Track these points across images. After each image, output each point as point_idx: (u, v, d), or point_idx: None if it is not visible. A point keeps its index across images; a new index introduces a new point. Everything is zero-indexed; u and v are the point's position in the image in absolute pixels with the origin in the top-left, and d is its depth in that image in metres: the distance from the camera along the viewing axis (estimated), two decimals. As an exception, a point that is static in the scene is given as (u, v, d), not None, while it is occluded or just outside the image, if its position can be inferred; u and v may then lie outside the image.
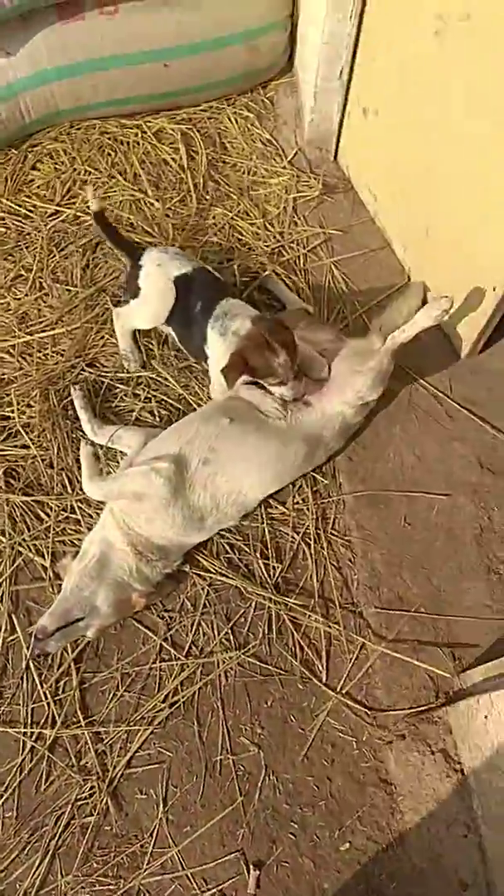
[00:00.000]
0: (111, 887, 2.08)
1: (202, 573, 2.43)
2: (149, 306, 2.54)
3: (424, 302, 2.78)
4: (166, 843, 2.13)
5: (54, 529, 2.49)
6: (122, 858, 2.11)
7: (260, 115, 3.39)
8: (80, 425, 2.59)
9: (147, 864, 2.10)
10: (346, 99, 2.98)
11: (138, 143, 3.26)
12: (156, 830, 2.14)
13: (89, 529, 2.42)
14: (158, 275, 2.51)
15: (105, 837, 2.14)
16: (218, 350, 2.42)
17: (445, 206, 2.52)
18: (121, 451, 2.57)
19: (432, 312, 2.36)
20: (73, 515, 2.51)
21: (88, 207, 2.74)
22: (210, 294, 2.48)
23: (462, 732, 2.07)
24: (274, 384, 2.36)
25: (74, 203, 3.10)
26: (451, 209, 2.49)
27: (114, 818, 2.15)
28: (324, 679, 2.30)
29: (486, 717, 1.88)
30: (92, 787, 2.18)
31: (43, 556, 2.45)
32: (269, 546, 2.47)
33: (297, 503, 2.54)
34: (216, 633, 2.36)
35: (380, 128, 2.83)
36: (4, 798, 2.16)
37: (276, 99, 3.43)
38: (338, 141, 3.18)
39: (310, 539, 2.48)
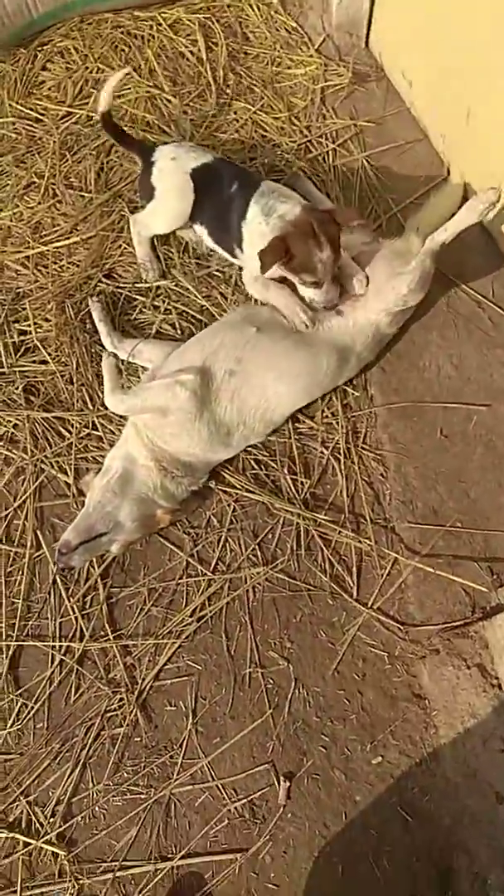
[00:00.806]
0: (142, 796, 2.09)
1: (228, 489, 2.35)
2: (166, 206, 2.38)
3: (465, 200, 2.55)
4: (196, 753, 2.12)
5: (76, 446, 2.42)
6: (153, 769, 2.12)
7: (284, 1, 3.09)
8: (99, 339, 2.49)
9: (177, 775, 2.10)
10: (378, -28, 2.69)
11: (153, 37, 3.02)
12: (185, 742, 2.14)
13: (111, 446, 2.35)
14: (173, 169, 2.34)
15: (135, 748, 2.15)
16: (257, 230, 2.24)
17: (489, 84, 2.27)
18: (142, 366, 2.46)
19: (478, 206, 2.16)
20: (95, 432, 2.44)
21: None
22: (244, 174, 2.33)
23: (499, 647, 1.99)
24: (308, 283, 2.19)
25: (87, 103, 2.90)
26: (496, 87, 2.24)
27: (143, 730, 2.15)
28: (355, 594, 2.22)
29: (526, 628, 1.78)
30: (121, 699, 2.17)
31: (66, 473, 2.39)
32: (296, 461, 2.37)
33: (327, 417, 2.41)
34: (243, 549, 2.29)
35: (414, 4, 2.55)
36: (35, 710, 2.17)
37: (302, -19, 3.12)
38: (369, 24, 2.89)
39: (340, 454, 2.36)
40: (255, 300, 2.43)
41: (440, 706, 2.06)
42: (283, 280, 2.27)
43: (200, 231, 2.47)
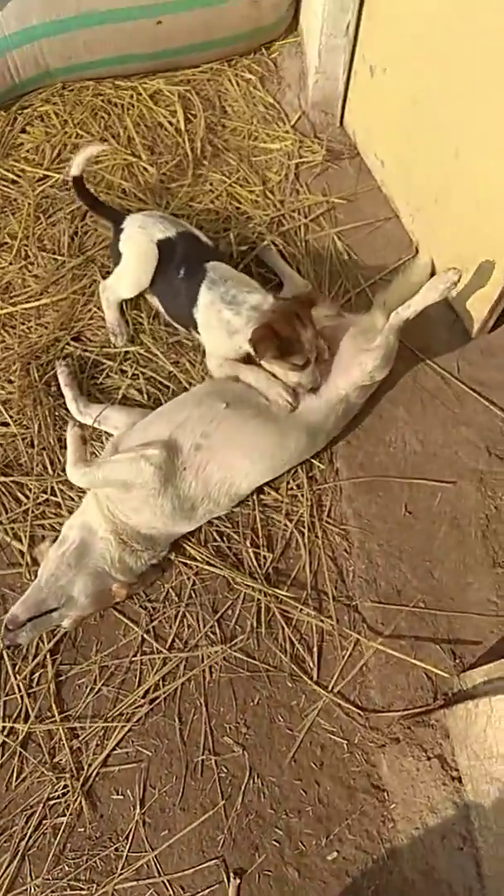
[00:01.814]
0: (83, 892, 1.96)
1: (188, 562, 2.29)
2: (130, 271, 2.39)
3: (433, 276, 2.60)
4: (142, 846, 2.00)
5: (33, 512, 2.35)
6: (96, 862, 1.99)
7: (263, 78, 3.19)
8: (64, 402, 2.45)
9: (122, 869, 1.98)
10: (352, 57, 2.78)
11: (133, 106, 3.08)
12: (132, 833, 2.02)
13: (70, 513, 2.28)
14: (140, 237, 2.36)
15: (78, 839, 2.02)
16: (219, 318, 2.23)
17: (458, 171, 2.32)
18: (107, 433, 2.42)
19: (439, 286, 2.19)
20: (54, 498, 2.37)
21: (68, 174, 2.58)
22: (194, 256, 2.32)
23: (460, 738, 1.92)
24: (295, 367, 2.18)
25: (64, 167, 2.92)
26: (464, 175, 2.30)
27: (87, 819, 2.03)
28: (315, 677, 2.15)
29: (486, 722, 1.72)
30: (65, 786, 2.06)
31: (20, 541, 2.31)
32: (259, 534, 2.32)
33: (292, 489, 2.38)
34: (201, 625, 2.22)
35: (388, 87, 2.63)
36: (-27, 795, 2.04)
37: (281, 61, 3.22)
38: (344, 103, 2.98)
39: (304, 527, 2.32)
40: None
41: (399, 799, 1.98)
42: (248, 361, 2.27)
43: (155, 303, 2.49)
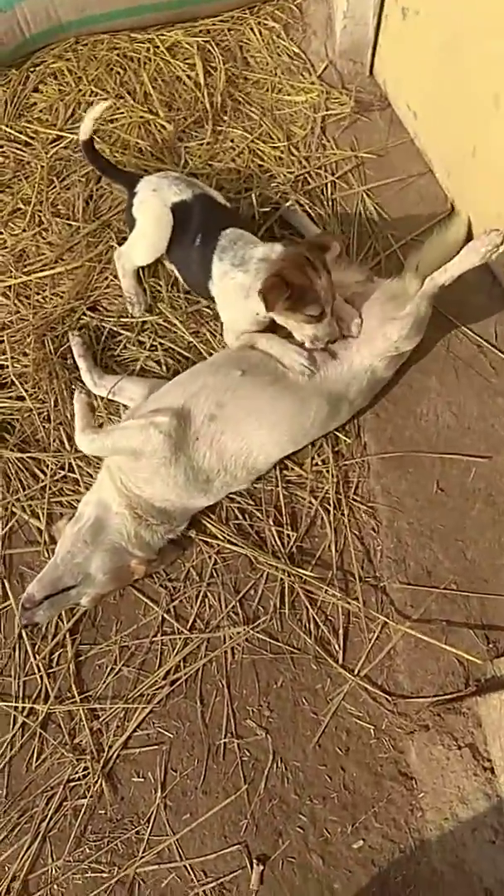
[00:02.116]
0: (104, 874, 1.93)
1: (209, 540, 2.21)
2: (145, 237, 2.28)
3: (470, 237, 2.43)
4: (164, 830, 1.97)
5: (50, 489, 2.29)
6: (117, 845, 1.96)
7: (287, 26, 2.99)
8: (80, 375, 2.36)
9: (143, 852, 1.95)
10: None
11: (150, 60, 2.92)
12: (153, 816, 1.98)
13: (88, 489, 2.21)
14: (153, 201, 2.24)
15: (99, 821, 1.99)
16: (232, 285, 2.12)
17: (498, 120, 2.14)
18: (123, 405, 2.34)
19: (480, 248, 2.03)
20: (72, 474, 2.31)
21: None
22: (211, 222, 2.19)
23: (493, 727, 1.83)
24: (311, 319, 2.05)
25: (79, 127, 2.77)
26: (504, 123, 2.12)
27: (108, 801, 2.00)
28: (340, 660, 2.07)
29: (522, 716, 1.63)
30: (86, 768, 2.02)
31: (38, 518, 2.26)
32: (283, 512, 2.22)
33: (317, 464, 2.27)
34: (223, 605, 2.14)
35: (422, 31, 2.43)
36: (-7, 775, 2.02)
37: (306, 6, 3.02)
38: (374, 51, 2.78)
39: (329, 505, 2.22)
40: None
41: (428, 788, 1.90)
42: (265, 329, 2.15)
43: (173, 270, 2.38)
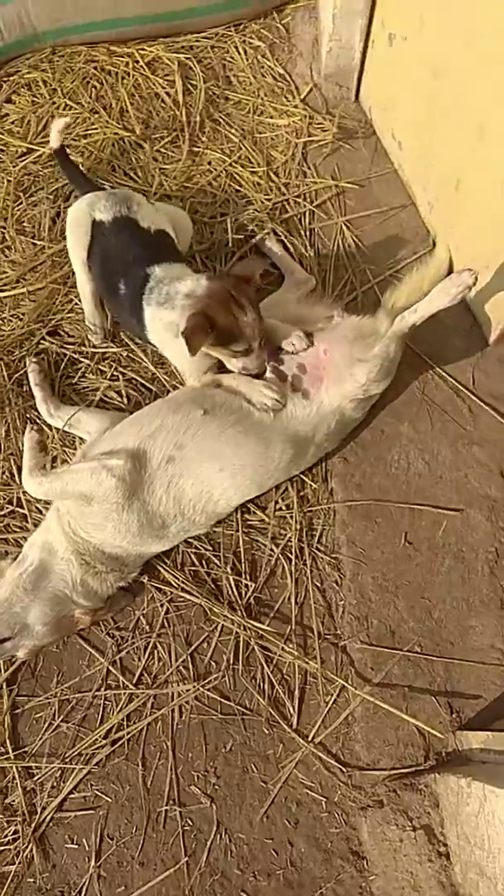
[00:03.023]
0: None
1: (162, 587, 2.08)
2: (71, 250, 2.22)
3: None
4: (96, 903, 1.83)
5: (-4, 525, 2.15)
6: (45, 918, 1.82)
7: (273, 46, 2.89)
8: (35, 404, 2.23)
9: (72, 927, 1.81)
10: (370, 23, 2.47)
11: (128, 74, 2.80)
12: (85, 887, 1.84)
13: (37, 527, 2.08)
14: (77, 210, 2.18)
15: (27, 890, 1.85)
16: (163, 325, 2.00)
17: (482, 154, 2.04)
18: (80, 438, 2.21)
19: (451, 289, 1.93)
20: (20, 510, 2.17)
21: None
22: (132, 259, 2.05)
23: (451, 811, 1.70)
24: (238, 354, 1.95)
25: (49, 142, 2.66)
26: (489, 158, 2.01)
27: (38, 869, 1.86)
28: (294, 724, 1.94)
29: (478, 809, 1.50)
30: (16, 831, 1.88)
31: (-20, 556, 2.12)
32: (242, 559, 2.10)
33: (280, 509, 2.15)
34: (173, 659, 2.01)
35: (409, 58, 2.33)
36: None
37: (293, 26, 2.91)
38: (360, 76, 2.68)
39: (291, 554, 2.09)
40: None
41: (379, 870, 1.77)
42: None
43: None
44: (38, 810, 1.90)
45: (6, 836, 1.88)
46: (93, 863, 1.85)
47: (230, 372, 2.04)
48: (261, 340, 1.94)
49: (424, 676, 1.95)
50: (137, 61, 2.82)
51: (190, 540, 2.10)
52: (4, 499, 2.18)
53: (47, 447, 2.15)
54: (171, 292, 1.95)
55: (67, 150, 2.40)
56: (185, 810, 1.88)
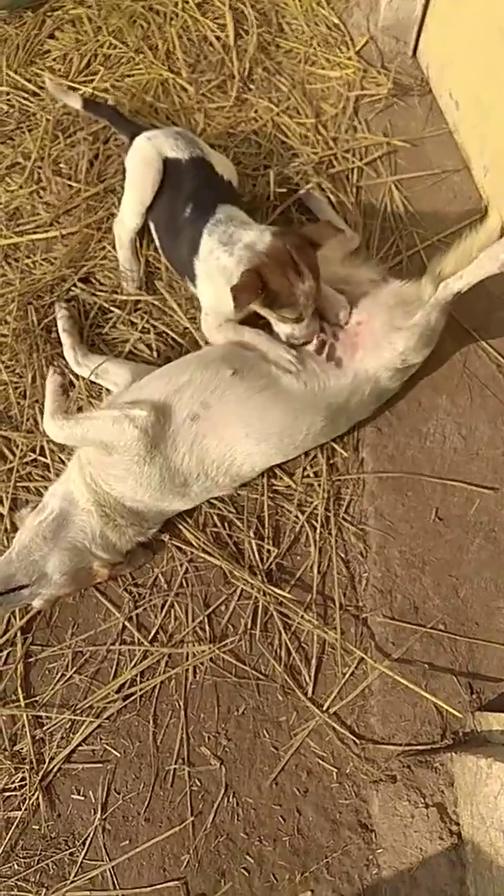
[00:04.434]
0: (31, 894, 1.79)
1: (183, 546, 2.04)
2: (131, 187, 2.11)
3: (501, 244, 2.22)
4: (99, 855, 1.83)
5: (18, 472, 2.12)
6: (48, 864, 1.83)
7: (330, -8, 2.74)
8: (62, 351, 2.17)
9: (75, 876, 1.81)
10: (437, -28, 2.34)
11: (177, 15, 2.68)
12: (89, 839, 1.84)
13: (58, 478, 2.04)
14: (146, 147, 2.07)
15: (31, 837, 1.85)
16: (216, 265, 1.92)
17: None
18: (106, 389, 2.15)
19: (500, 254, 1.84)
20: (43, 458, 2.14)
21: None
22: (206, 193, 1.99)
23: (466, 791, 1.66)
24: (287, 319, 1.88)
25: (92, 81, 2.56)
26: None
27: (44, 817, 1.86)
28: (310, 693, 1.91)
29: (499, 789, 1.46)
30: (23, 778, 1.88)
31: (1, 503, 2.08)
32: (266, 524, 2.05)
33: (308, 476, 2.09)
34: (190, 619, 1.98)
35: (475, 15, 2.19)
36: None
37: (352, -28, 2.77)
38: (419, 30, 2.54)
39: (317, 522, 2.04)
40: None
41: (387, 844, 1.75)
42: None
43: (153, 232, 2.19)
44: (47, 760, 1.89)
45: (14, 783, 1.88)
46: (98, 815, 1.85)
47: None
48: (313, 310, 1.86)
49: (446, 655, 1.90)
50: (187, 2, 2.68)
51: (213, 501, 2.06)
52: (28, 446, 2.13)
53: (69, 391, 2.09)
54: (235, 237, 1.88)
55: (97, 96, 2.33)
56: (193, 770, 1.87)
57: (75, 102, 2.32)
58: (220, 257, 1.88)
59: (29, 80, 2.60)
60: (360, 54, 2.59)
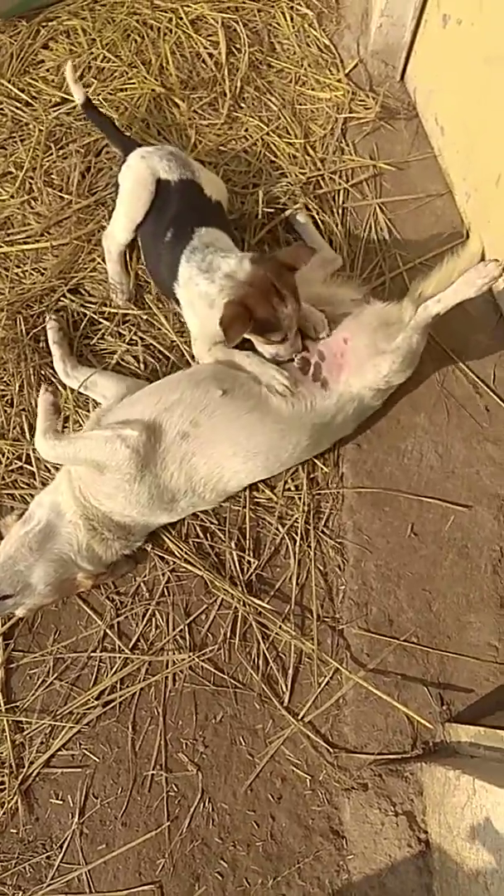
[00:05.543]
0: (7, 898, 1.82)
1: (165, 556, 2.08)
2: (123, 204, 2.15)
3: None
4: (76, 858, 1.86)
5: (4, 479, 2.15)
6: (25, 868, 1.86)
7: (321, 15, 2.80)
8: (51, 361, 2.21)
9: (51, 879, 1.85)
10: (424, 2, 2.40)
11: (171, 31, 2.72)
12: (67, 842, 1.88)
13: (44, 486, 2.08)
14: (140, 166, 2.11)
15: (9, 840, 1.88)
16: (197, 291, 1.96)
17: (527, 150, 2.00)
18: (94, 400, 2.19)
19: (476, 280, 1.89)
20: (29, 466, 2.17)
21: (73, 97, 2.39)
22: (187, 216, 2.04)
23: (435, 801, 1.73)
24: (273, 342, 1.93)
25: (86, 92, 2.59)
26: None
27: (22, 821, 1.89)
28: (286, 702, 1.96)
29: (465, 801, 1.52)
30: (2, 782, 1.91)
31: (-14, 509, 2.11)
32: (247, 535, 2.10)
33: (289, 489, 2.14)
34: (171, 628, 2.02)
35: (462, 42, 2.27)
36: None
37: (344, -4, 2.83)
38: (408, 55, 2.61)
39: (296, 535, 2.10)
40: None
41: (358, 851, 1.80)
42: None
43: (142, 249, 2.25)
44: (26, 764, 1.93)
45: (-8, 786, 1.90)
46: (76, 819, 1.88)
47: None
48: (296, 329, 1.92)
49: (418, 667, 1.96)
50: (181, 18, 2.73)
51: (196, 513, 2.10)
52: (14, 453, 2.17)
53: (61, 409, 2.13)
54: (214, 264, 1.92)
55: (98, 105, 2.36)
56: (171, 776, 1.91)
57: (79, 97, 2.32)
58: (200, 284, 1.94)
59: (22, 90, 2.64)
60: (349, 77, 2.66)
